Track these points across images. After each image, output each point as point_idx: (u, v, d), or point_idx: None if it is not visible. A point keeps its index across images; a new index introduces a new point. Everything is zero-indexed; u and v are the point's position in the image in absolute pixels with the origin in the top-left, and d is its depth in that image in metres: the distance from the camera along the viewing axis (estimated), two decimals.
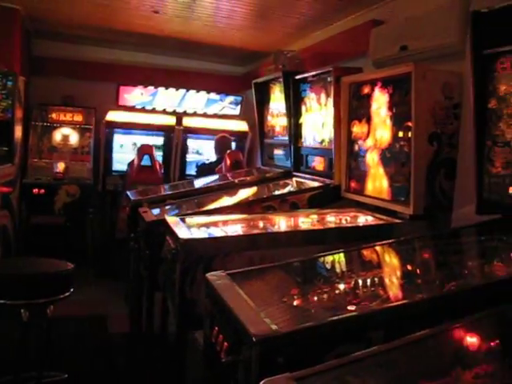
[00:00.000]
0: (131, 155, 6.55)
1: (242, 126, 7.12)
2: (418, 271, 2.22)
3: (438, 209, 2.88)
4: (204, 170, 5.86)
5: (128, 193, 4.44)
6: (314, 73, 4.16)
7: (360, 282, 1.96)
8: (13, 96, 5.51)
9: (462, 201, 2.81)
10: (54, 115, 6.75)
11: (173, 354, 2.69)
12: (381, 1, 4.04)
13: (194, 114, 7.12)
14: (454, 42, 2.94)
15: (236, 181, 4.58)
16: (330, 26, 4.89)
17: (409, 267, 2.32)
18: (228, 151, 5.63)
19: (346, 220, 3.24)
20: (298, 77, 4.42)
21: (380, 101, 3.24)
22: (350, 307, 1.64)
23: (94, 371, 3.84)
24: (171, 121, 6.93)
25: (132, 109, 6.85)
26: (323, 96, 4.03)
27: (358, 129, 3.51)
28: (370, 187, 3.37)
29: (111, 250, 6.12)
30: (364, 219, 3.20)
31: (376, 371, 1.24)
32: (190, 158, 7.07)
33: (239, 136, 6.99)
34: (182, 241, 2.52)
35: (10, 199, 5.66)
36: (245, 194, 4.26)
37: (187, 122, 6.99)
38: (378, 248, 2.42)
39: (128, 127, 6.80)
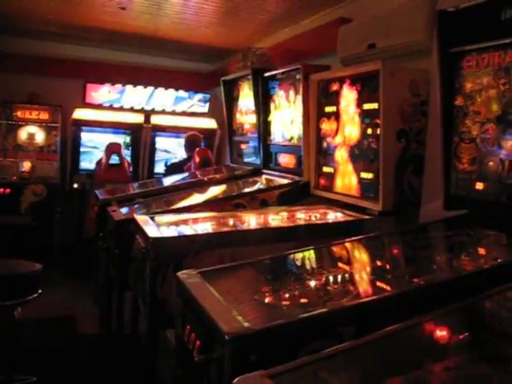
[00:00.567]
0: (99, 154, 6.48)
1: (210, 123, 7.12)
2: (387, 267, 2.24)
3: (407, 205, 2.92)
4: (173, 168, 5.83)
5: (96, 192, 4.40)
6: (282, 70, 4.17)
7: (331, 278, 1.97)
8: None
9: (430, 197, 2.84)
10: (19, 113, 6.62)
11: (144, 353, 2.67)
12: None
13: (163, 112, 7.07)
14: (421, 40, 2.97)
15: (205, 179, 4.57)
16: (299, 24, 4.91)
17: (378, 263, 2.34)
18: (197, 149, 5.61)
19: (316, 217, 3.26)
20: (266, 74, 4.43)
21: (348, 98, 3.26)
22: (321, 304, 1.65)
23: (63, 373, 3.78)
24: (139, 119, 6.89)
25: (99, 107, 6.77)
26: (292, 93, 4.05)
27: (326, 126, 3.54)
28: (339, 184, 3.39)
29: (79, 249, 6.03)
30: (334, 216, 3.22)
31: (348, 366, 1.25)
32: (158, 156, 7.02)
33: (208, 134, 6.97)
34: (152, 240, 2.51)
35: None
36: (214, 191, 4.26)
37: (155, 119, 6.95)
38: (347, 244, 2.43)
39: (95, 125, 6.73)
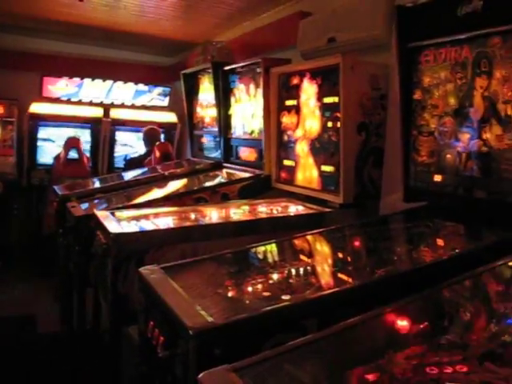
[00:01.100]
0: (57, 149, 6.37)
1: (170, 117, 7.07)
2: (349, 259, 2.28)
3: (367, 197, 2.96)
4: (133, 163, 5.77)
5: (55, 187, 4.32)
6: (243, 64, 4.17)
7: (293, 271, 1.98)
8: None
9: (390, 189, 2.89)
10: None
11: (107, 351, 2.64)
12: None
13: (122, 106, 7.00)
14: (380, 35, 3.00)
15: (166, 173, 4.54)
16: (259, 17, 4.90)
17: (340, 255, 2.37)
18: (157, 143, 5.57)
19: (278, 210, 3.27)
20: (227, 68, 4.42)
21: (309, 92, 3.28)
22: (283, 297, 1.66)
23: (24, 373, 3.71)
24: (98, 113, 6.80)
25: (57, 100, 6.66)
26: (252, 87, 4.05)
27: (287, 119, 3.55)
28: (300, 177, 3.41)
29: (38, 247, 5.92)
30: (295, 209, 3.24)
31: (313, 358, 1.27)
32: (118, 150, 6.94)
33: (168, 127, 6.93)
34: (113, 235, 2.48)
35: None
36: (175, 186, 4.24)
37: (115, 113, 6.88)
38: (309, 237, 2.45)
39: (53, 119, 6.61)
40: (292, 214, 3.16)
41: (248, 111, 4.15)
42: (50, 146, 6.63)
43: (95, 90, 6.82)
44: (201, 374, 1.14)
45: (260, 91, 3.83)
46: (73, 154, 6.10)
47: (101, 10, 5.35)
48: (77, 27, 6.15)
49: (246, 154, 4.25)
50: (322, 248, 2.52)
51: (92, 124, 6.79)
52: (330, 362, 1.27)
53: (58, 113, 6.60)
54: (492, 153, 2.10)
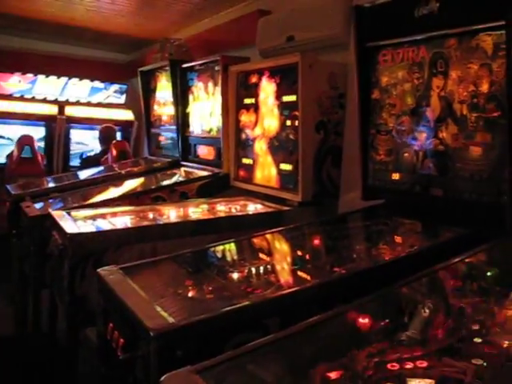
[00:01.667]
0: (10, 147, 6.21)
1: (127, 115, 7.01)
2: (308, 257, 2.28)
3: (326, 195, 2.97)
4: (89, 161, 5.70)
5: (8, 186, 4.21)
6: (201, 62, 4.15)
7: (253, 270, 1.98)
8: None
9: (348, 187, 2.91)
10: None
11: (64, 353, 2.59)
12: None
13: (77, 103, 6.90)
14: (339, 34, 3.02)
15: (123, 172, 4.48)
16: (218, 15, 4.88)
17: (300, 253, 2.38)
18: (114, 141, 5.50)
19: (236, 209, 3.27)
20: (184, 65, 4.40)
21: (267, 90, 3.28)
22: (244, 296, 1.65)
23: None
24: (53, 110, 6.69)
25: (9, 97, 6.52)
26: (211, 85, 4.03)
27: (245, 118, 3.55)
28: (259, 176, 3.41)
29: None
30: (254, 207, 3.23)
31: (275, 358, 1.27)
32: (73, 148, 6.82)
33: (125, 125, 6.86)
34: (69, 236, 2.43)
35: None
36: (132, 185, 4.19)
37: (70, 111, 6.77)
38: (268, 236, 2.45)
39: (5, 117, 6.46)
40: (251, 213, 3.15)
41: (206, 109, 4.13)
42: (2, 144, 6.47)
43: (49, 86, 6.70)
44: (164, 376, 1.13)
45: (218, 89, 3.82)
46: (26, 152, 5.95)
47: (56, 4, 5.24)
48: (30, 22, 6.01)
49: (205, 152, 4.23)
50: (282, 246, 2.53)
51: (46, 122, 6.66)
52: (292, 360, 1.27)
53: (10, 110, 6.46)
54: (448, 151, 2.14)
